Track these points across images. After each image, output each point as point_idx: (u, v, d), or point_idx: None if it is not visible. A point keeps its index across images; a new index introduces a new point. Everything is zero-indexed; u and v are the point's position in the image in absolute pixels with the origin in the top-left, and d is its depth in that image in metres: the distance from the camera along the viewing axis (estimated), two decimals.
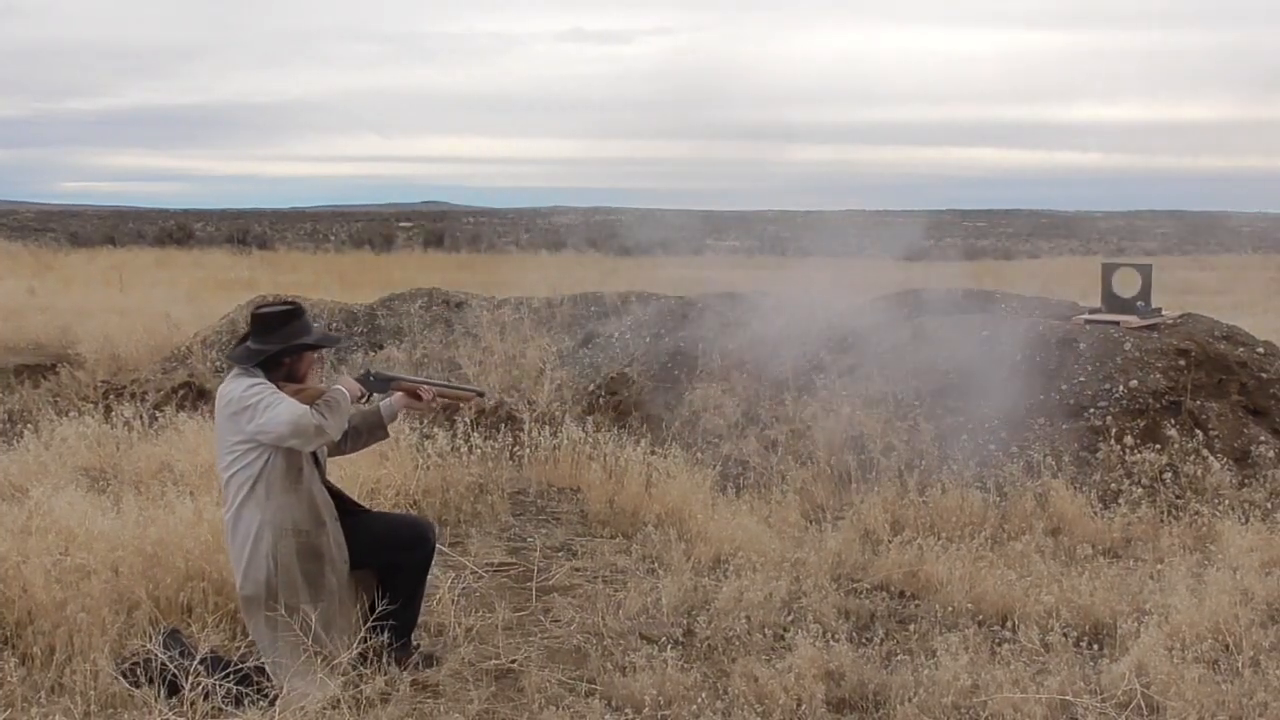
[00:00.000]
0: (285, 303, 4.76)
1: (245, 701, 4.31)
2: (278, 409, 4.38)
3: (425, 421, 8.73)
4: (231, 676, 4.38)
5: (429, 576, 5.09)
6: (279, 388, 4.50)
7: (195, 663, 4.38)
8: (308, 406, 4.42)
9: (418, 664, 4.79)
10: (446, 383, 5.07)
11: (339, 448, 4.90)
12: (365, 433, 4.97)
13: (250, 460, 4.49)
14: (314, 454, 4.65)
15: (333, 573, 4.64)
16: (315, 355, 4.73)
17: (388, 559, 4.83)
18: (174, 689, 4.33)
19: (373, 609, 4.76)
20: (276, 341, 4.55)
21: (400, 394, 4.96)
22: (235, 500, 4.55)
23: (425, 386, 4.97)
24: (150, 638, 4.69)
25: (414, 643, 4.96)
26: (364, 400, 4.81)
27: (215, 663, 4.46)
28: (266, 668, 4.54)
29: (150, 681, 4.40)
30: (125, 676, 4.49)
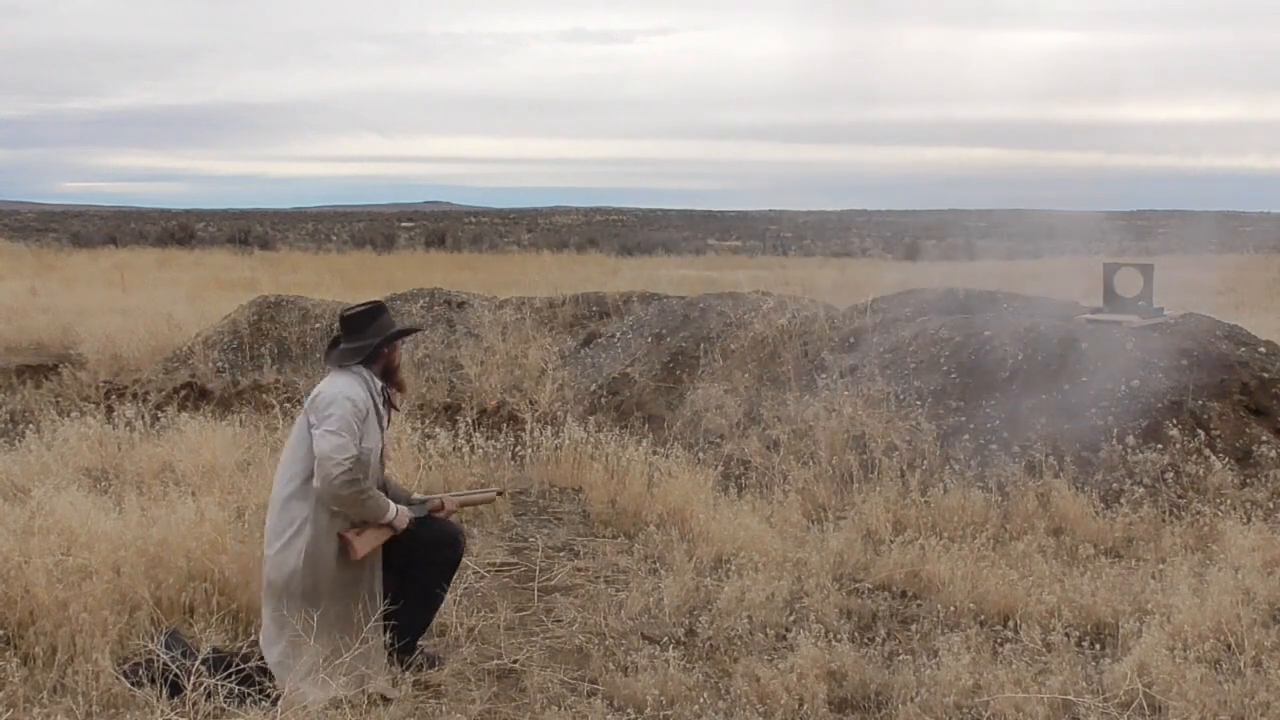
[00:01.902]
0: (368, 303, 5.00)
1: (247, 701, 4.31)
2: (333, 440, 4.52)
3: (427, 421, 8.74)
4: (234, 676, 4.38)
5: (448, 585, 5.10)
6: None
7: (197, 663, 4.39)
8: (350, 462, 4.50)
9: (420, 665, 4.79)
10: (467, 492, 5.45)
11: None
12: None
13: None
14: (381, 459, 4.81)
15: (370, 578, 4.72)
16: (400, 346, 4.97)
17: (414, 555, 4.86)
18: (176, 689, 4.33)
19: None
20: (371, 336, 4.79)
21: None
22: (290, 483, 4.65)
23: (450, 501, 5.11)
24: (152, 638, 4.69)
25: (419, 645, 4.96)
26: (413, 527, 4.87)
27: (217, 663, 4.47)
28: (269, 663, 4.56)
29: (153, 682, 4.40)
30: (127, 677, 4.49)
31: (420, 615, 4.92)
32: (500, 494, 5.74)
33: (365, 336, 4.79)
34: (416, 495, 5.12)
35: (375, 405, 4.75)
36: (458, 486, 7.35)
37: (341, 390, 4.65)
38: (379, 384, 4.81)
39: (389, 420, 4.90)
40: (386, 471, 4.98)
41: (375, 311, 4.89)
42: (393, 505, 4.73)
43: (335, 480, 4.49)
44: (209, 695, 4.23)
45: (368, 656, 4.61)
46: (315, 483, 4.55)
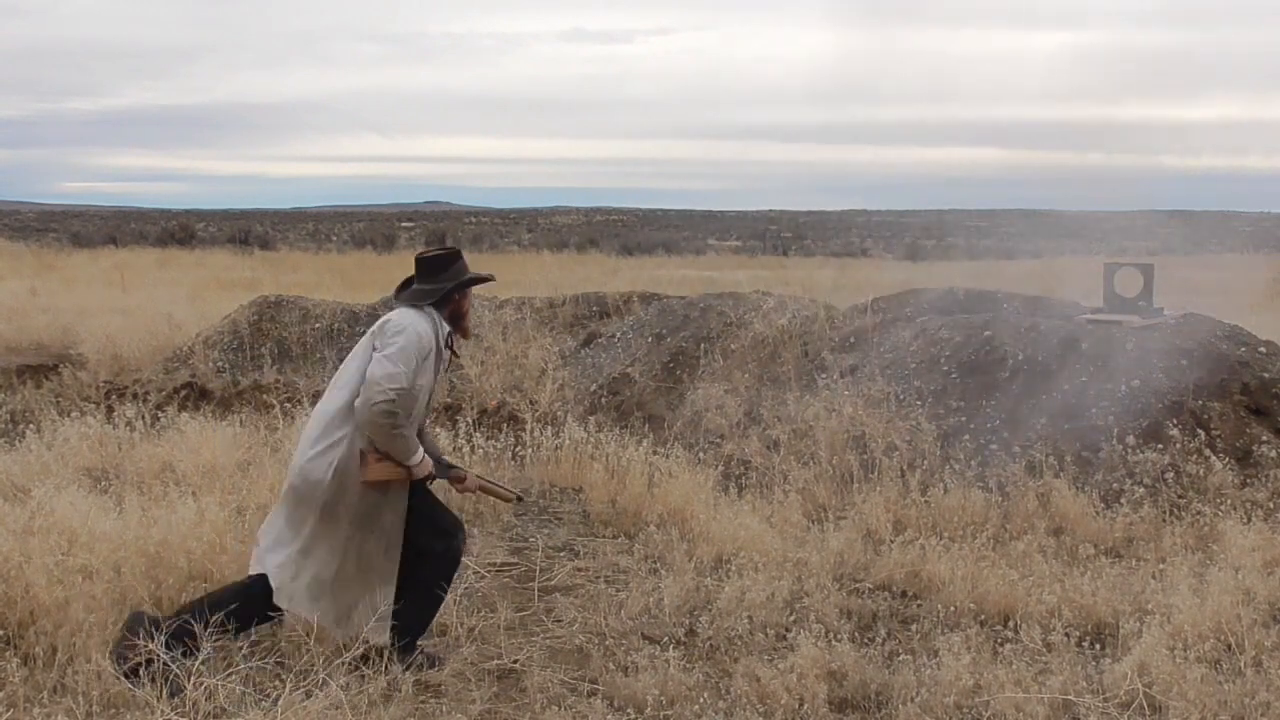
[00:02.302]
0: (445, 248, 5.10)
1: (248, 698, 4.31)
2: (388, 366, 4.58)
3: (427, 421, 8.73)
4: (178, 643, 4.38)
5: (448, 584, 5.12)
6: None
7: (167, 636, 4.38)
8: (398, 394, 4.55)
9: (420, 665, 4.80)
10: (492, 482, 5.43)
11: None
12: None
13: None
14: (429, 402, 4.91)
15: (391, 515, 4.78)
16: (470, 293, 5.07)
17: (421, 542, 4.88)
18: (177, 687, 4.34)
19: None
20: (446, 280, 4.90)
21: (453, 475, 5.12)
22: (340, 397, 4.72)
23: (474, 480, 5.17)
24: (151, 636, 4.69)
25: (419, 645, 4.97)
26: (428, 481, 4.93)
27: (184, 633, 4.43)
28: (267, 567, 4.66)
29: (153, 681, 4.40)
30: (128, 677, 4.49)
31: (421, 614, 4.92)
32: (520, 499, 5.75)
33: (439, 280, 4.90)
34: (446, 458, 5.16)
35: (438, 346, 4.84)
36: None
37: (413, 323, 4.74)
38: (446, 328, 4.91)
39: (448, 364, 5.00)
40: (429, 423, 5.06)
41: (452, 257, 5.02)
42: (420, 450, 4.77)
43: (376, 406, 4.54)
44: (209, 695, 4.23)
45: (372, 597, 4.70)
46: (356, 402, 4.61)
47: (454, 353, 5.05)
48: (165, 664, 4.39)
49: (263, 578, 4.70)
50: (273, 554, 4.71)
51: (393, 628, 4.78)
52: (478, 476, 5.27)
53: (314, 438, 4.74)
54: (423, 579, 4.90)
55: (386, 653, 4.67)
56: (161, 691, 4.34)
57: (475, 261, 5.45)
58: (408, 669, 4.68)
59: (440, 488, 5.23)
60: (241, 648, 4.67)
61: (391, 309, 5.00)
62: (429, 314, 4.86)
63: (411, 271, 5.03)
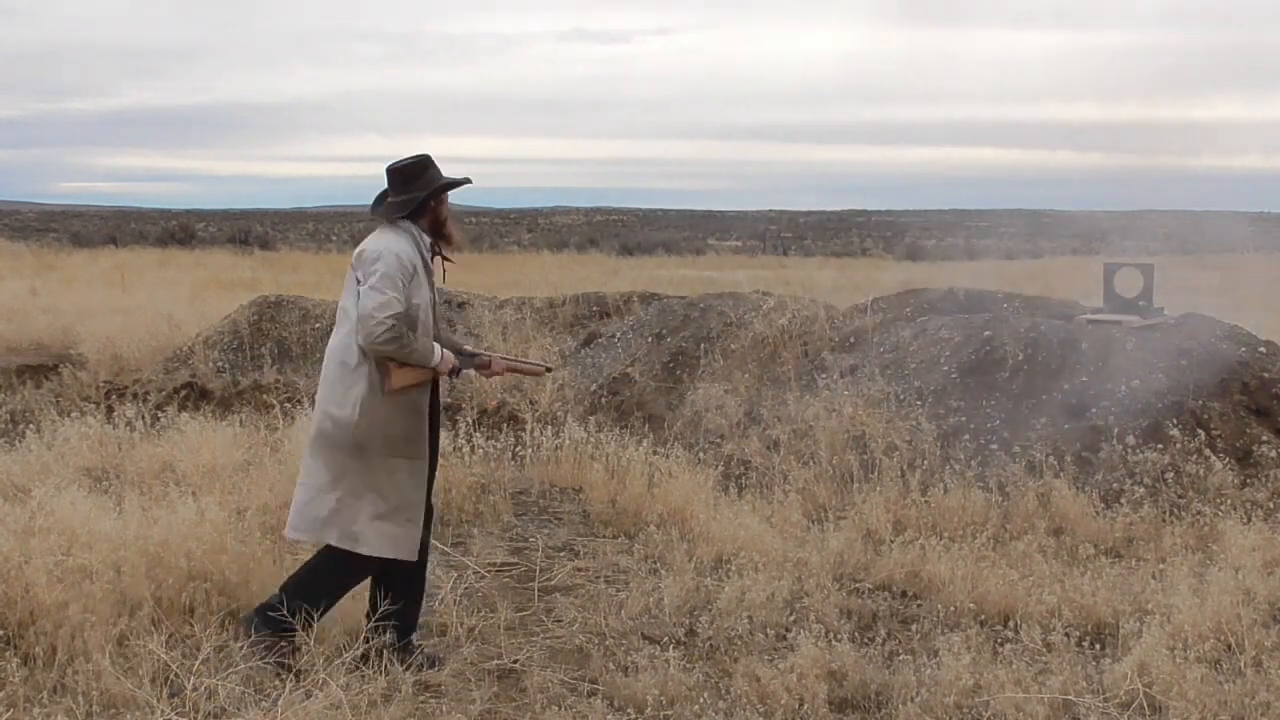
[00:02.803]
0: (416, 155, 4.88)
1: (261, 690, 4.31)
2: (376, 296, 4.54)
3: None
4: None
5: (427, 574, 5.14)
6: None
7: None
8: (394, 319, 4.53)
9: (421, 664, 4.80)
10: (516, 359, 5.36)
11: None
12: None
13: None
14: (433, 312, 4.83)
15: (431, 432, 4.81)
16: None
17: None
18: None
19: (374, 608, 4.78)
20: (419, 189, 4.76)
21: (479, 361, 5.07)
22: (342, 331, 4.72)
23: (499, 363, 5.11)
24: (154, 638, 4.70)
25: (415, 643, 4.97)
26: (455, 375, 4.91)
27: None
28: (319, 515, 4.70)
29: (284, 667, 4.53)
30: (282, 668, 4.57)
31: (415, 610, 4.95)
32: (549, 369, 5.63)
33: (412, 190, 4.76)
34: (468, 348, 5.10)
35: (424, 260, 4.77)
36: (458, 486, 7.35)
37: (388, 245, 4.67)
38: (427, 239, 4.82)
39: (443, 274, 4.93)
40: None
41: (423, 164, 4.83)
42: (438, 349, 4.74)
43: (378, 338, 4.53)
44: (210, 695, 4.23)
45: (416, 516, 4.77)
46: (359, 339, 4.59)
47: (447, 258, 4.95)
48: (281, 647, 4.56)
49: (326, 549, 4.74)
50: (319, 503, 4.72)
51: (393, 627, 4.78)
52: (502, 357, 5.19)
53: (332, 379, 4.73)
54: (418, 573, 4.94)
55: (386, 653, 4.67)
56: (162, 691, 4.34)
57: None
58: (408, 669, 4.68)
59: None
60: (241, 647, 4.67)
61: (369, 229, 4.90)
62: (405, 230, 4.76)
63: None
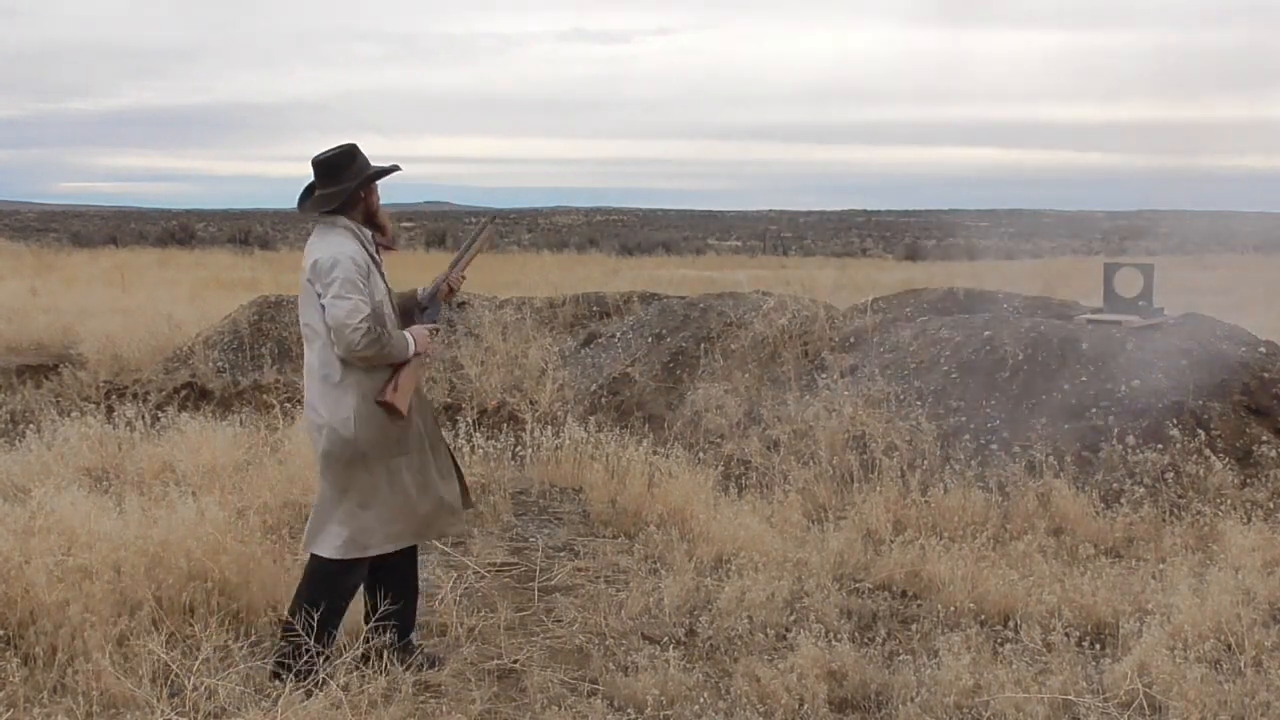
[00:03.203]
0: (342, 145, 4.77)
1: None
2: (343, 304, 4.47)
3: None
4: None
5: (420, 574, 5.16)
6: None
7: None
8: (367, 323, 4.48)
9: (421, 664, 4.80)
10: (462, 255, 5.14)
11: None
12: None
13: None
14: (392, 304, 4.75)
15: (419, 420, 4.77)
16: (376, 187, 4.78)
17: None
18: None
19: (373, 610, 4.79)
20: (348, 180, 4.64)
21: (441, 292, 5.00)
22: (323, 356, 4.62)
23: (455, 277, 5.02)
24: (153, 638, 4.70)
25: (415, 643, 4.98)
26: (435, 335, 4.88)
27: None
28: (322, 532, 4.64)
29: (302, 675, 4.47)
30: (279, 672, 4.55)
31: (409, 609, 4.96)
32: (492, 220, 5.38)
33: (341, 180, 4.63)
34: (421, 290, 4.99)
35: (371, 255, 4.69)
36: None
37: (339, 250, 4.56)
38: (368, 232, 4.72)
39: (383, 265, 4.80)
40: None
41: (350, 154, 4.68)
42: (407, 335, 4.70)
43: (358, 346, 4.48)
44: (210, 695, 4.24)
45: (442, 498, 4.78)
46: (338, 350, 4.53)
47: (388, 247, 4.84)
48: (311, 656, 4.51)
49: (314, 559, 4.71)
50: (328, 524, 4.67)
51: (393, 627, 4.79)
52: (453, 272, 5.04)
53: (319, 396, 4.64)
54: (412, 570, 4.96)
55: (386, 653, 4.68)
56: (162, 691, 4.34)
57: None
58: (408, 669, 4.68)
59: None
60: (241, 647, 4.68)
61: (308, 230, 4.74)
62: (345, 228, 4.63)
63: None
